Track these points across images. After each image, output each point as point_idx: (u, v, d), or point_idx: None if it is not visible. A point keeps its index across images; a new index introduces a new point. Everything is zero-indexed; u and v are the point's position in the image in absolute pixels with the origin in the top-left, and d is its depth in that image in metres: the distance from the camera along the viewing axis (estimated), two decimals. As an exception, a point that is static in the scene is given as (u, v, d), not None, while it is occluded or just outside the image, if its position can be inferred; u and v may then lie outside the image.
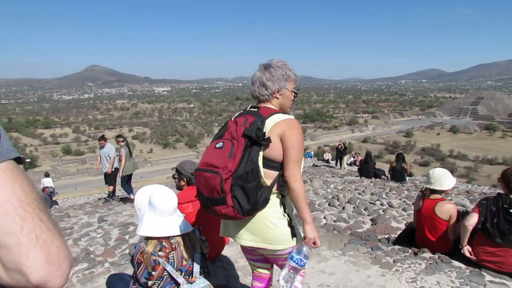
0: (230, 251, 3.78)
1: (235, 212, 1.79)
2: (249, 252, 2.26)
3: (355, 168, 15.59)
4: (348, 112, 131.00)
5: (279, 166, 1.90)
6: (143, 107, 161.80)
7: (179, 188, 3.43)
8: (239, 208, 1.78)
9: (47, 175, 14.66)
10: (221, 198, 1.78)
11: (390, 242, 4.58)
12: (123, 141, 8.45)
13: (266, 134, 1.84)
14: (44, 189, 12.46)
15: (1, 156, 0.63)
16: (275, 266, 2.33)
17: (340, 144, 17.07)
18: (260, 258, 2.27)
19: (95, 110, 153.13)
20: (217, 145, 1.88)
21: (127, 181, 8.66)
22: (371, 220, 6.12)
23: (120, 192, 10.40)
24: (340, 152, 16.97)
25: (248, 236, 1.98)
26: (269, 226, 1.92)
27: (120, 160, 8.33)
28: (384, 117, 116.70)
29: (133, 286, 2.30)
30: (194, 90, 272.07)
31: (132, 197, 8.34)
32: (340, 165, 17.03)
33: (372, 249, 3.88)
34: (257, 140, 1.80)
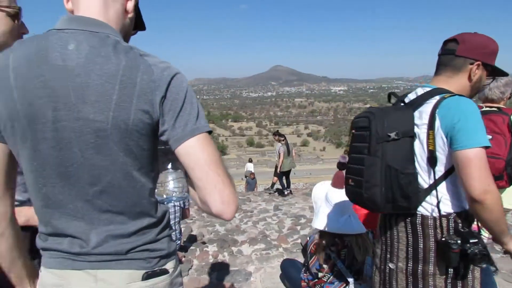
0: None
1: None
2: None
3: None
4: None
5: None
6: (319, 106, 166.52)
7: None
8: None
9: (250, 160, 15.90)
10: None
11: None
12: (283, 139, 8.94)
13: None
14: (250, 173, 13.03)
15: (201, 129, 0.92)
16: None
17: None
18: None
19: (276, 107, 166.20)
20: None
21: (284, 177, 9.12)
22: None
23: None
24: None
25: None
26: None
27: (278, 157, 8.86)
28: None
29: (304, 274, 2.45)
30: (371, 90, 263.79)
31: (286, 193, 8.76)
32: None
33: None
34: None
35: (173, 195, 1.09)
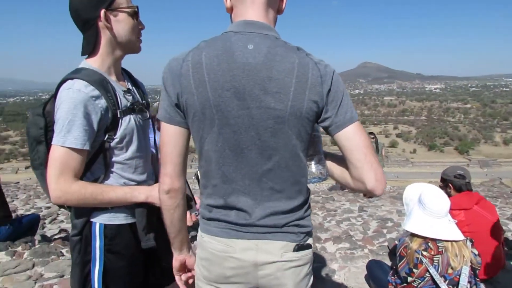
0: None
1: None
2: None
3: None
4: None
5: None
6: (411, 105, 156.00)
7: (449, 196, 3.21)
8: None
9: None
10: None
11: None
12: (373, 137, 8.64)
13: None
14: None
15: (356, 117, 1.09)
16: None
17: None
18: None
19: (363, 105, 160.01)
20: None
21: None
22: None
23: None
24: None
25: None
26: None
27: None
28: None
29: (392, 277, 2.38)
30: (473, 88, 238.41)
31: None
32: None
33: None
34: None
35: (314, 176, 1.20)
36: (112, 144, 1.34)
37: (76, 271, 1.38)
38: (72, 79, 1.27)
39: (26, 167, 56.23)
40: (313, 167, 1.21)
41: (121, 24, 1.36)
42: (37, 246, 3.77)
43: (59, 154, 1.22)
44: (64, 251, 3.63)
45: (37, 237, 4.32)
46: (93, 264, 1.37)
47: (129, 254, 1.42)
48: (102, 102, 1.28)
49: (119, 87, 1.42)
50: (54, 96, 1.33)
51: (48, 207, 7.58)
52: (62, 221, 6.19)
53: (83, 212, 1.36)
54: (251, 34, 1.05)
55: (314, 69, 1.03)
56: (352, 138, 1.07)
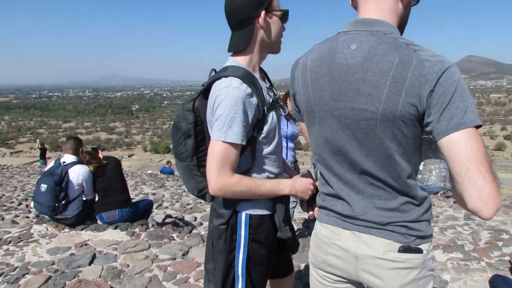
0: None
1: None
2: None
3: None
4: None
5: None
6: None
7: None
8: None
9: None
10: None
11: None
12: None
13: None
14: None
15: (468, 123, 0.91)
16: None
17: None
18: None
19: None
20: None
21: None
22: None
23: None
24: None
25: None
26: None
27: None
28: None
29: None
30: None
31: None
32: None
33: None
34: None
35: (433, 184, 1.14)
36: (260, 138, 1.41)
37: (221, 258, 1.47)
38: (226, 76, 1.34)
39: (129, 156, 62.57)
40: (432, 173, 1.14)
41: (273, 25, 1.42)
42: (151, 229, 4.16)
43: (220, 148, 1.30)
44: (174, 235, 3.94)
45: (149, 220, 4.77)
46: (237, 251, 1.46)
47: (269, 243, 1.49)
48: (254, 99, 1.34)
49: (263, 84, 1.48)
50: (202, 93, 1.43)
51: (154, 193, 8.33)
52: (166, 207, 6.76)
53: (230, 203, 1.45)
54: (357, 33, 1.06)
55: (417, 68, 0.93)
56: (454, 148, 0.92)
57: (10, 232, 4.40)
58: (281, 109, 1.54)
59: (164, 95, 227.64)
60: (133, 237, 3.83)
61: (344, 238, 1.13)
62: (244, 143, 1.33)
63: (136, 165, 47.69)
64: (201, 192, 1.53)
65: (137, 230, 4.06)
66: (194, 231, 4.47)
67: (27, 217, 5.35)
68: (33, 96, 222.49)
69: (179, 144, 1.48)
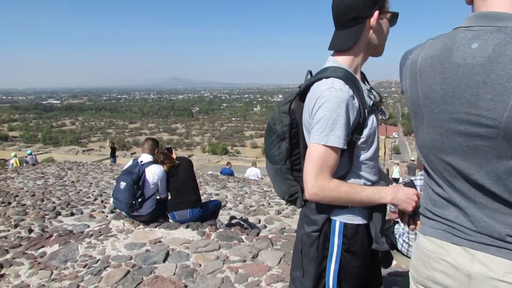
0: None
1: None
2: None
3: None
4: None
5: None
6: None
7: None
8: None
9: None
10: None
11: None
12: None
13: None
14: None
15: None
16: None
17: None
18: None
19: None
20: None
21: None
22: None
23: None
24: None
25: None
26: None
27: None
28: None
29: None
30: None
31: None
32: None
33: None
34: None
35: None
36: (358, 143, 1.34)
37: (312, 266, 1.42)
38: (327, 77, 1.29)
39: (189, 156, 64.96)
40: None
41: (382, 27, 1.36)
42: (221, 230, 4.22)
43: (320, 152, 1.25)
44: (243, 237, 3.96)
45: (217, 221, 4.86)
46: (329, 261, 1.40)
47: (363, 255, 1.41)
48: (356, 102, 1.29)
49: (364, 86, 1.41)
50: (299, 94, 1.39)
51: (217, 194, 8.51)
52: (230, 208, 6.86)
53: (324, 209, 1.39)
54: (481, 29, 0.93)
55: None
56: None
57: (89, 226, 4.74)
58: (381, 113, 1.46)
59: (223, 97, 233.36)
60: (203, 237, 3.91)
61: (454, 254, 1.01)
62: (345, 147, 1.27)
63: (195, 165, 49.31)
64: (292, 197, 1.49)
65: (207, 230, 4.14)
66: (261, 234, 4.46)
67: (103, 212, 5.74)
68: (104, 98, 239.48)
69: (273, 147, 1.45)
